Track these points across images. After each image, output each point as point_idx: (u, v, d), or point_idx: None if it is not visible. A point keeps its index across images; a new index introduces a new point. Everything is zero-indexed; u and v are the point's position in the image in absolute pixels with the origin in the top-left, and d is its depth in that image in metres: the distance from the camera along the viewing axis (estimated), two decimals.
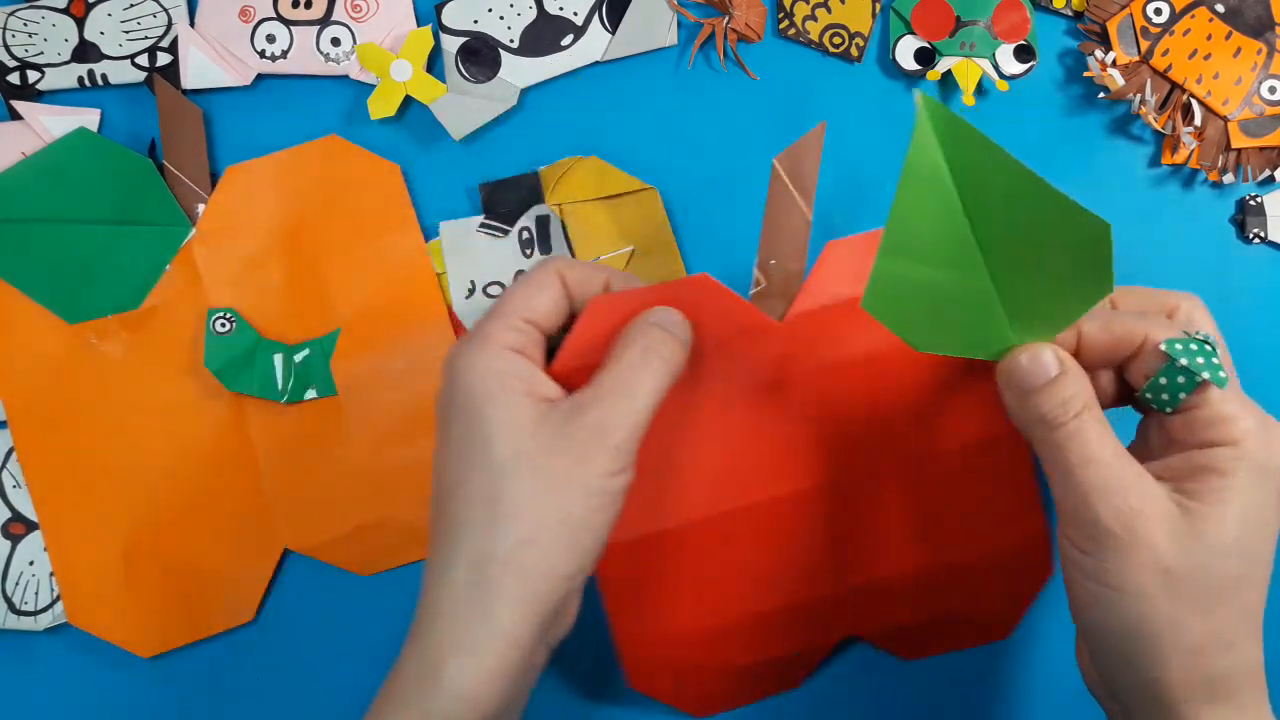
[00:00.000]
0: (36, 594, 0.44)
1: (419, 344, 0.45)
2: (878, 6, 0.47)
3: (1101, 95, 0.45)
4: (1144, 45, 0.45)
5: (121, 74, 0.46)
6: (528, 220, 0.46)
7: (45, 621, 0.44)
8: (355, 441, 0.45)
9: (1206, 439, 0.32)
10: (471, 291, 0.46)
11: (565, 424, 0.32)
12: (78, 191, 0.45)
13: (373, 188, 0.46)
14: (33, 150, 0.45)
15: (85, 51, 0.46)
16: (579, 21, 0.46)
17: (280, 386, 0.44)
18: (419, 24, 0.47)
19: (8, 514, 0.45)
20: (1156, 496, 0.31)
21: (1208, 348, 0.32)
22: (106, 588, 0.44)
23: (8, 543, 0.44)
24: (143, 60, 0.46)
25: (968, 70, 0.45)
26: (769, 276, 0.38)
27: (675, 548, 0.40)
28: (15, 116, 0.45)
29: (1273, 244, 0.46)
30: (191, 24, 0.47)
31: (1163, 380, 0.32)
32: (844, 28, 0.46)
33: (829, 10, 0.46)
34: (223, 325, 0.44)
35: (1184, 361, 0.32)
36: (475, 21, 0.46)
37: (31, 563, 0.44)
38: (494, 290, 0.46)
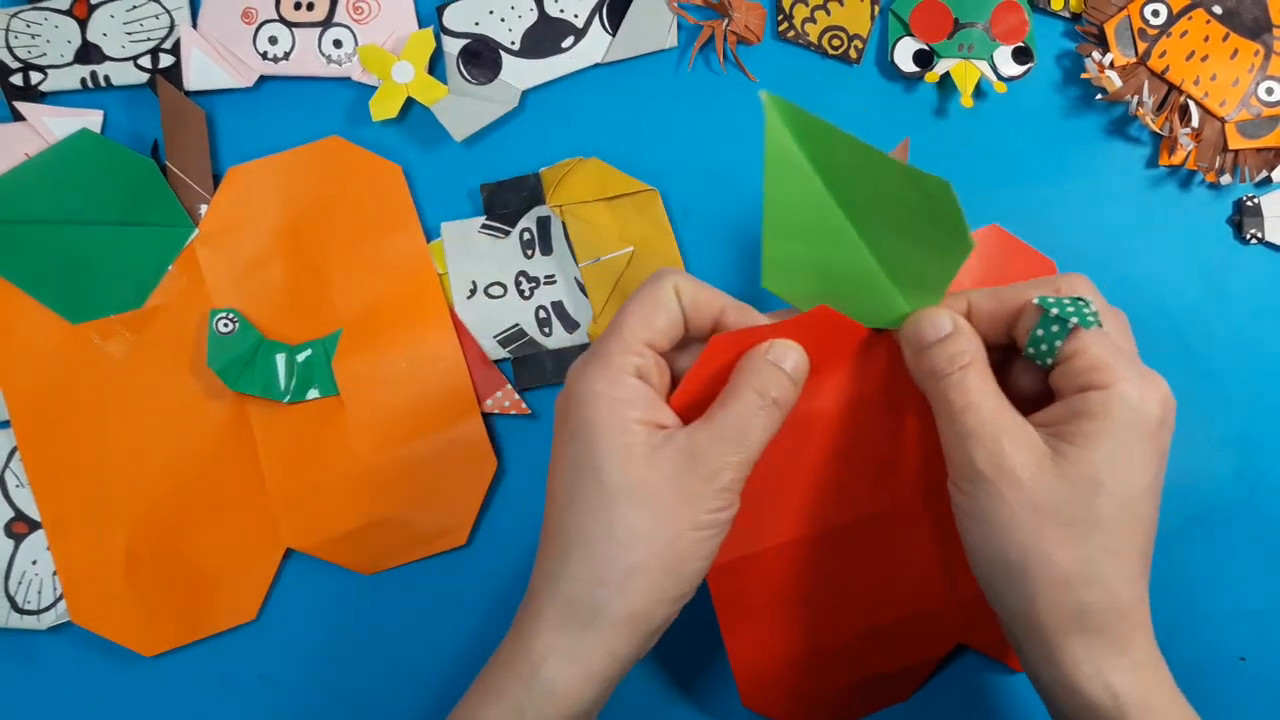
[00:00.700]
0: (39, 593, 0.44)
1: (421, 344, 0.45)
2: (876, 9, 0.47)
3: (1099, 97, 0.46)
4: (1141, 47, 0.46)
5: (124, 75, 0.46)
6: (529, 221, 0.46)
7: (48, 620, 0.44)
8: (357, 441, 0.45)
9: (1082, 384, 0.33)
10: (473, 292, 0.46)
11: (676, 460, 0.34)
12: (81, 192, 0.45)
13: (374, 189, 0.46)
14: (36, 151, 0.45)
15: (88, 53, 0.47)
16: (579, 24, 0.47)
17: (282, 386, 0.45)
18: (420, 26, 0.47)
19: (11, 513, 0.45)
20: (1028, 440, 0.33)
21: (1080, 303, 0.34)
22: (109, 587, 0.44)
23: (11, 542, 0.45)
24: (145, 62, 0.46)
25: (966, 72, 0.46)
26: None
27: (785, 564, 0.40)
28: (18, 118, 0.46)
29: (1270, 244, 0.46)
30: (194, 25, 0.47)
31: (1039, 332, 0.34)
32: (843, 30, 0.47)
33: (828, 13, 0.47)
34: (225, 325, 0.44)
35: (1055, 311, 0.34)
36: (476, 23, 0.46)
37: (34, 562, 0.44)
38: (495, 290, 0.46)
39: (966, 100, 0.46)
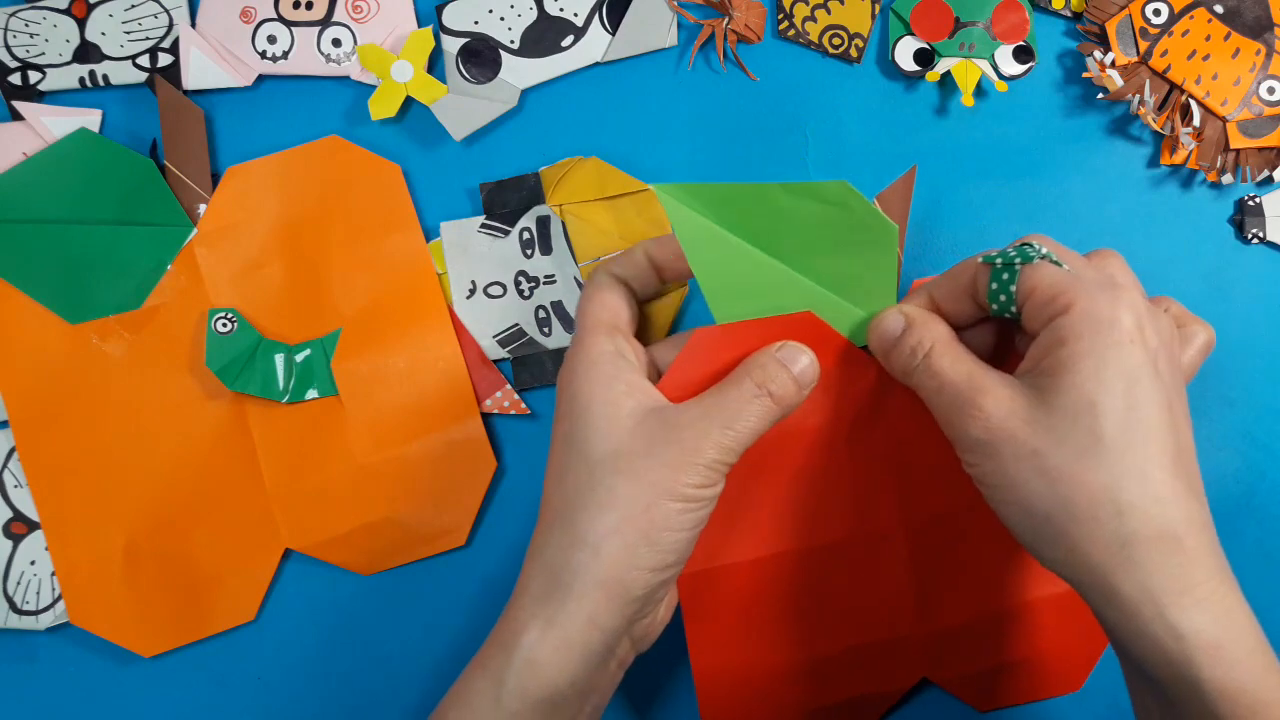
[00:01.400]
0: (38, 593, 0.44)
1: (420, 344, 0.45)
2: (877, 8, 0.47)
3: (1100, 96, 0.46)
4: (1143, 46, 0.45)
5: (123, 74, 0.46)
6: (528, 220, 0.46)
7: (47, 621, 0.44)
8: (356, 441, 0.45)
9: (1047, 316, 0.33)
10: (472, 292, 0.46)
11: (661, 431, 0.34)
12: (79, 192, 0.45)
13: (374, 188, 0.46)
14: (34, 151, 0.45)
15: (86, 52, 0.46)
16: (579, 22, 0.46)
17: (281, 386, 0.44)
18: (420, 25, 0.47)
19: (9, 513, 0.45)
20: (1007, 392, 0.33)
21: (1024, 246, 0.34)
22: (108, 587, 0.44)
23: (9, 542, 0.45)
24: (144, 61, 0.46)
25: (967, 71, 0.45)
26: None
27: (756, 579, 0.40)
28: (17, 117, 0.46)
29: (1271, 244, 0.46)
30: (193, 25, 0.47)
31: (993, 286, 0.34)
32: (843, 29, 0.47)
33: (828, 11, 0.47)
34: (224, 325, 0.44)
35: (999, 261, 0.34)
36: (476, 22, 0.46)
37: (33, 562, 0.44)
38: (495, 290, 0.46)
39: (967, 99, 0.46)
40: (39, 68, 0.46)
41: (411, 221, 0.46)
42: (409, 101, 0.46)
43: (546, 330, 0.45)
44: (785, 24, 0.47)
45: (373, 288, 0.45)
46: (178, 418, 0.45)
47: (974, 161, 0.46)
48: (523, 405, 0.45)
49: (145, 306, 0.45)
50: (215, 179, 0.46)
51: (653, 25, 0.46)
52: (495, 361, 0.46)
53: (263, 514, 0.45)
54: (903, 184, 0.39)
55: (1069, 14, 0.47)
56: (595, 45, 0.46)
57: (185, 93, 0.46)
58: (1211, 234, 0.46)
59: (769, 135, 0.46)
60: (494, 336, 0.45)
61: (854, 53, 0.47)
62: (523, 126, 0.47)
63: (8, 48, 0.46)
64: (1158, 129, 0.45)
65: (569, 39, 0.46)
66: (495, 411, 0.45)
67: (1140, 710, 0.34)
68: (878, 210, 0.35)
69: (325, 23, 0.47)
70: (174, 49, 0.46)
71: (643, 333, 0.42)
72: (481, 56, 0.46)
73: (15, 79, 0.46)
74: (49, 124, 0.45)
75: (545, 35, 0.46)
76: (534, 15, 0.46)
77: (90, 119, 0.46)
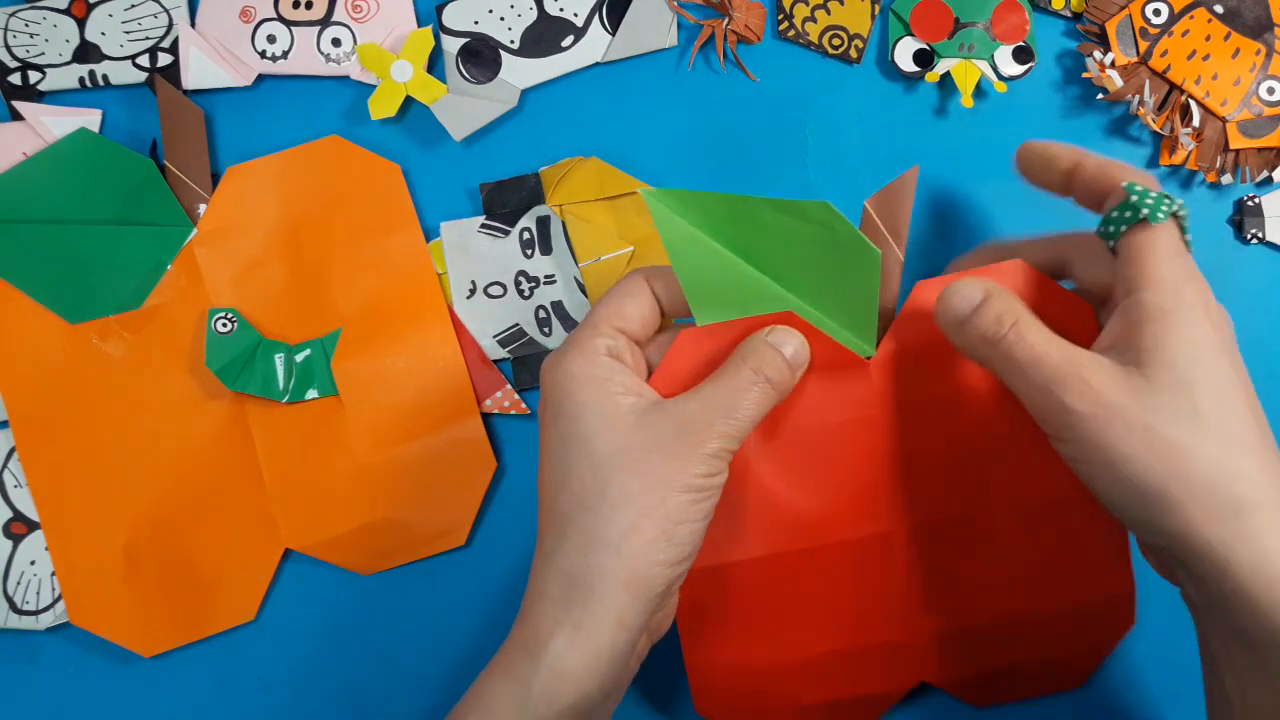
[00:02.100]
0: (38, 593, 0.44)
1: (420, 344, 0.45)
2: (877, 8, 0.47)
3: (1100, 96, 0.46)
4: (1143, 46, 0.45)
5: (122, 74, 0.46)
6: (528, 221, 0.46)
7: (47, 621, 0.44)
8: (356, 441, 0.45)
9: (1137, 281, 0.33)
10: (472, 292, 0.46)
11: (663, 425, 0.34)
12: (79, 192, 0.45)
13: (374, 188, 0.46)
14: (34, 151, 0.45)
15: (86, 52, 0.46)
16: (579, 23, 0.46)
17: (281, 386, 0.44)
18: (419, 25, 0.47)
19: (9, 513, 0.45)
20: (1107, 367, 0.33)
21: (1163, 197, 0.35)
22: (108, 587, 0.44)
23: (9, 542, 0.45)
24: (144, 61, 0.46)
25: (966, 72, 0.45)
26: None
27: (754, 579, 0.40)
28: (16, 117, 0.46)
29: (1270, 244, 0.46)
30: (192, 24, 0.47)
31: (1114, 214, 0.35)
32: (843, 29, 0.47)
33: (828, 12, 0.47)
34: (224, 325, 0.44)
35: (1134, 198, 0.35)
36: (476, 22, 0.46)
37: (33, 562, 0.44)
38: (495, 290, 0.46)
39: (967, 100, 0.46)
40: (39, 68, 0.46)
41: (411, 221, 0.46)
42: (409, 101, 0.46)
43: (547, 330, 0.45)
44: (785, 24, 0.47)
45: (373, 288, 0.45)
46: (178, 418, 0.45)
47: (974, 162, 0.46)
48: (523, 405, 0.45)
49: (145, 306, 0.45)
50: (215, 179, 0.46)
51: (653, 25, 0.46)
52: (495, 361, 0.46)
53: (263, 514, 0.45)
54: (903, 184, 0.39)
55: (1069, 14, 0.47)
56: (595, 45, 0.46)
57: (185, 93, 0.46)
58: (1211, 234, 0.46)
59: (769, 136, 0.46)
60: (494, 336, 0.45)
61: (854, 53, 0.47)
62: (523, 126, 0.47)
63: (8, 48, 0.46)
64: (1157, 129, 0.45)
65: (569, 39, 0.46)
66: (495, 411, 0.45)
67: (1234, 688, 0.34)
68: (860, 234, 0.35)
69: (325, 22, 0.47)
70: (174, 49, 0.46)
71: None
72: (481, 56, 0.46)
73: (15, 79, 0.46)
74: (49, 124, 0.45)
75: (545, 35, 0.46)
76: (534, 15, 0.46)
77: (90, 119, 0.46)
